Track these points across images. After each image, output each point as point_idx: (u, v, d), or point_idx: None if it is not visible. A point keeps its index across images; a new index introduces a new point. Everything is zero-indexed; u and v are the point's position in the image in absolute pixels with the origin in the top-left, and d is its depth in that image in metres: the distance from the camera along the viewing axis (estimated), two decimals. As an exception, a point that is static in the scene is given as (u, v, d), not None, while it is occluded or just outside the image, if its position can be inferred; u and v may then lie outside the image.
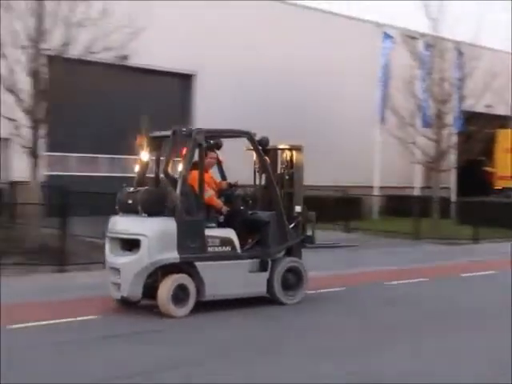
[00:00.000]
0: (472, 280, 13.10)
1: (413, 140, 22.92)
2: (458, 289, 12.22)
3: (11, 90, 14.40)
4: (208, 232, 9.26)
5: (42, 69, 14.84)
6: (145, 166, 9.87)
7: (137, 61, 16.74)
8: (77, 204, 14.47)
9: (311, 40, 27.05)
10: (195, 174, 9.32)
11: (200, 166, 9.35)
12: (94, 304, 9.81)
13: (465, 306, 10.43)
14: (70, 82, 14.24)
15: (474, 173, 30.84)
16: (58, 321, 8.77)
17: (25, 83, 14.66)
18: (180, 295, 8.94)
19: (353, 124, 28.13)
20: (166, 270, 9.02)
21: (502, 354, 7.38)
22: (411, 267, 14.49)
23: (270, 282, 9.78)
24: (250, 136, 10.03)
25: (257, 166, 10.63)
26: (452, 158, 25.17)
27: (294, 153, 10.54)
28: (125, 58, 15.68)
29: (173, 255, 8.95)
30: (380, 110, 26.58)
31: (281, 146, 10.73)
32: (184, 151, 9.34)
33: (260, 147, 10.01)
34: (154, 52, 20.96)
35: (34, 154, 14.69)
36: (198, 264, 9.14)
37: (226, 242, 9.43)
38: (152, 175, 10.18)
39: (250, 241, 9.83)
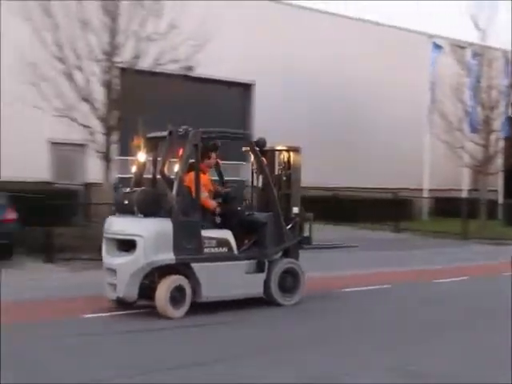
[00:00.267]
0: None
1: (461, 144, 22.78)
2: (498, 287, 12.02)
3: (87, 100, 14.84)
4: (204, 233, 8.82)
5: (114, 80, 15.28)
6: (142, 167, 9.48)
7: (200, 71, 17.02)
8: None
9: (364, 51, 27.10)
10: (192, 175, 8.91)
11: (196, 167, 8.88)
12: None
13: (496, 306, 10.16)
14: (140, 91, 14.62)
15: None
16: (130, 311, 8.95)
17: (99, 93, 15.09)
18: (177, 296, 8.56)
19: (403, 130, 28.06)
20: (162, 270, 8.64)
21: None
22: (458, 266, 14.49)
23: (266, 283, 9.35)
24: (247, 137, 9.81)
25: (254, 167, 10.24)
26: (499, 162, 24.90)
27: (292, 154, 10.14)
28: (190, 69, 15.96)
29: (169, 256, 8.53)
30: (429, 116, 26.46)
31: (278, 147, 10.31)
32: (180, 152, 8.92)
33: (257, 148, 9.63)
34: (216, 63, 21.24)
35: (106, 158, 15.12)
36: (194, 265, 8.72)
37: (222, 243, 8.98)
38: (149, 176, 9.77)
39: (246, 242, 9.41)
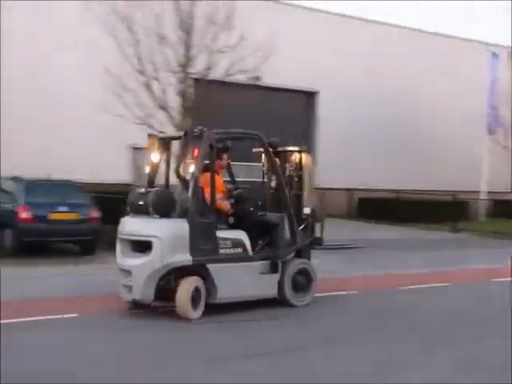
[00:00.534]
0: None
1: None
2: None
3: (163, 108, 15.52)
4: (219, 234, 8.42)
5: (188, 90, 15.93)
6: (156, 168, 9.02)
7: (267, 80, 17.47)
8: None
9: (423, 60, 27.19)
10: (207, 176, 8.48)
11: (211, 168, 8.49)
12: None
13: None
14: (212, 100, 15.18)
15: None
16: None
17: (174, 102, 15.75)
18: (196, 298, 8.19)
19: (461, 135, 27.98)
20: (178, 272, 8.25)
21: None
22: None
23: (280, 283, 8.98)
24: (260, 138, 9.20)
25: (265, 168, 9.90)
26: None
27: (303, 155, 9.75)
28: (257, 78, 16.46)
29: (186, 257, 8.13)
30: (488, 122, 26.31)
31: (289, 149, 9.84)
32: (196, 152, 8.48)
33: (270, 149, 9.24)
34: (281, 72, 21.63)
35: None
36: (210, 266, 8.34)
37: (237, 243, 8.58)
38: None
39: (260, 242, 9.00)
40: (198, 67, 15.73)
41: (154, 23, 15.15)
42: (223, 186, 8.95)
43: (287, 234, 9.13)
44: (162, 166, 9.05)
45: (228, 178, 9.67)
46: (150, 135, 9.26)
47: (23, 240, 13.42)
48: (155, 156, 8.96)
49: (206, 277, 8.34)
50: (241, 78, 16.07)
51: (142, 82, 15.33)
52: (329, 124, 25.53)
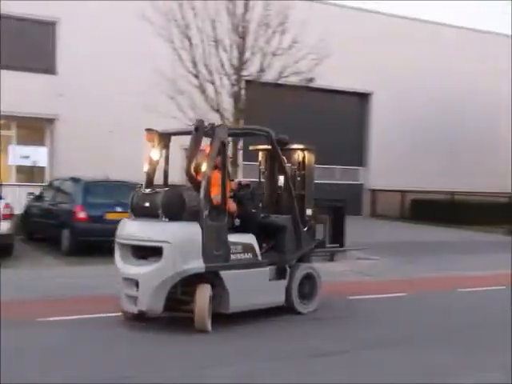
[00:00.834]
0: None
1: None
2: None
3: (217, 110, 15.57)
4: (230, 238, 7.70)
5: (241, 92, 15.92)
6: (155, 165, 8.30)
7: (320, 82, 17.36)
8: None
9: (475, 61, 26.66)
10: (216, 175, 7.76)
11: (224, 166, 7.80)
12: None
13: None
14: (264, 102, 15.14)
15: None
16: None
17: (228, 104, 15.78)
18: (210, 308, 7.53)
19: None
20: (188, 280, 7.44)
21: None
22: None
23: (288, 290, 8.33)
24: (270, 135, 8.48)
25: (262, 167, 9.21)
26: None
27: (306, 153, 9.06)
28: (311, 80, 16.36)
29: (199, 264, 7.34)
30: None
31: (293, 147, 9.09)
32: (207, 149, 7.74)
33: (278, 147, 8.53)
34: (335, 73, 21.48)
35: (234, 163, 15.73)
36: (222, 273, 7.58)
37: (247, 248, 7.86)
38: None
39: (264, 246, 8.30)
40: (251, 69, 15.72)
41: (209, 28, 15.22)
42: (229, 184, 8.19)
43: (294, 236, 8.50)
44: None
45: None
46: (148, 129, 8.32)
47: (79, 239, 13.65)
48: (155, 153, 8.22)
49: (218, 285, 7.61)
50: (294, 80, 15.99)
51: (196, 84, 15.41)
52: (382, 125, 25.29)
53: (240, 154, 16.42)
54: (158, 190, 7.81)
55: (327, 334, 7.74)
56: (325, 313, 8.61)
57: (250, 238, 7.97)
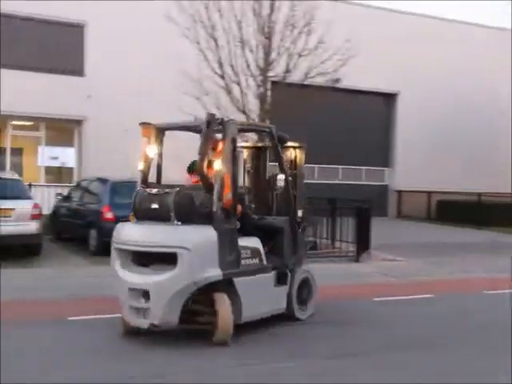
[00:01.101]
0: None
1: None
2: None
3: (243, 111, 15.50)
4: (239, 242, 7.15)
5: (267, 93, 15.84)
6: (150, 163, 7.66)
7: (346, 83, 17.21)
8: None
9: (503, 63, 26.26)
10: (226, 174, 7.12)
11: (234, 164, 7.16)
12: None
13: None
14: (290, 102, 15.04)
15: None
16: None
17: (253, 105, 15.71)
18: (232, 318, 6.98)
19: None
20: (201, 289, 6.80)
21: None
22: None
23: (289, 296, 7.84)
24: (271, 132, 8.00)
25: (248, 165, 8.70)
26: None
27: (298, 152, 8.58)
28: (337, 81, 16.22)
29: (216, 272, 6.75)
30: None
31: (287, 144, 8.45)
32: (220, 146, 7.09)
33: (279, 144, 8.02)
34: (361, 74, 21.30)
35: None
36: (236, 280, 7.01)
37: (255, 252, 7.33)
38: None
39: (264, 249, 7.65)
40: (277, 70, 15.64)
41: (235, 29, 15.16)
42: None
43: (292, 239, 8.00)
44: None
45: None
46: (143, 123, 7.64)
47: (106, 240, 13.62)
48: (151, 149, 7.56)
49: (232, 293, 6.98)
50: (320, 81, 15.86)
51: (222, 85, 15.36)
52: (407, 125, 25.04)
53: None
54: (167, 190, 7.06)
55: (352, 335, 7.66)
56: (350, 316, 8.55)
57: (255, 242, 7.43)
